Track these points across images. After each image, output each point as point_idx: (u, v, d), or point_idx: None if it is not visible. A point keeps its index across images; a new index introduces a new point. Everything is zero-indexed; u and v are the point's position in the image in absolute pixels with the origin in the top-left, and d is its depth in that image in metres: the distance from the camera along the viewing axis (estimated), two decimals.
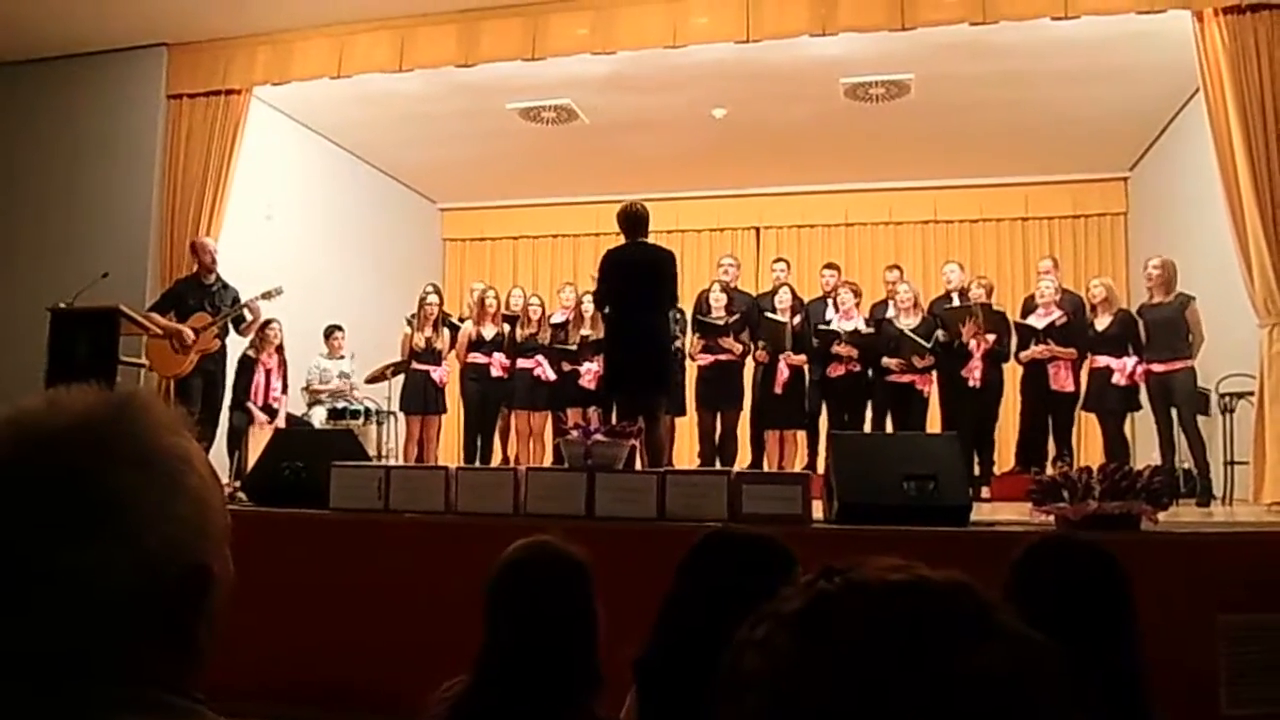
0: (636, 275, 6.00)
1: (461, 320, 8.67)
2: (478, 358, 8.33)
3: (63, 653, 0.71)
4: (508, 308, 8.71)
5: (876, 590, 0.58)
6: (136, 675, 0.72)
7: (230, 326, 7.25)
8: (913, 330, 7.58)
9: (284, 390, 7.97)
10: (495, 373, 8.31)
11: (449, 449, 9.01)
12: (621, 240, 6.24)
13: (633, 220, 6.13)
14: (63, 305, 6.40)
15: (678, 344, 7.38)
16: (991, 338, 7.42)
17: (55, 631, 0.71)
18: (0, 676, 0.70)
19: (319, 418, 8.09)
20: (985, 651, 0.55)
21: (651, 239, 6.30)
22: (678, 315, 7.38)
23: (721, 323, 7.76)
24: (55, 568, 0.71)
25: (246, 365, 7.79)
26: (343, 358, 8.55)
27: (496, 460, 8.43)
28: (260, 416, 7.63)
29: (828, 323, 7.92)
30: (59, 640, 0.71)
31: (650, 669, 1.84)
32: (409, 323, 8.49)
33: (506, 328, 8.46)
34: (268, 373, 7.86)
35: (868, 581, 0.59)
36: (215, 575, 0.78)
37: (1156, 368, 6.83)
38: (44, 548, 0.71)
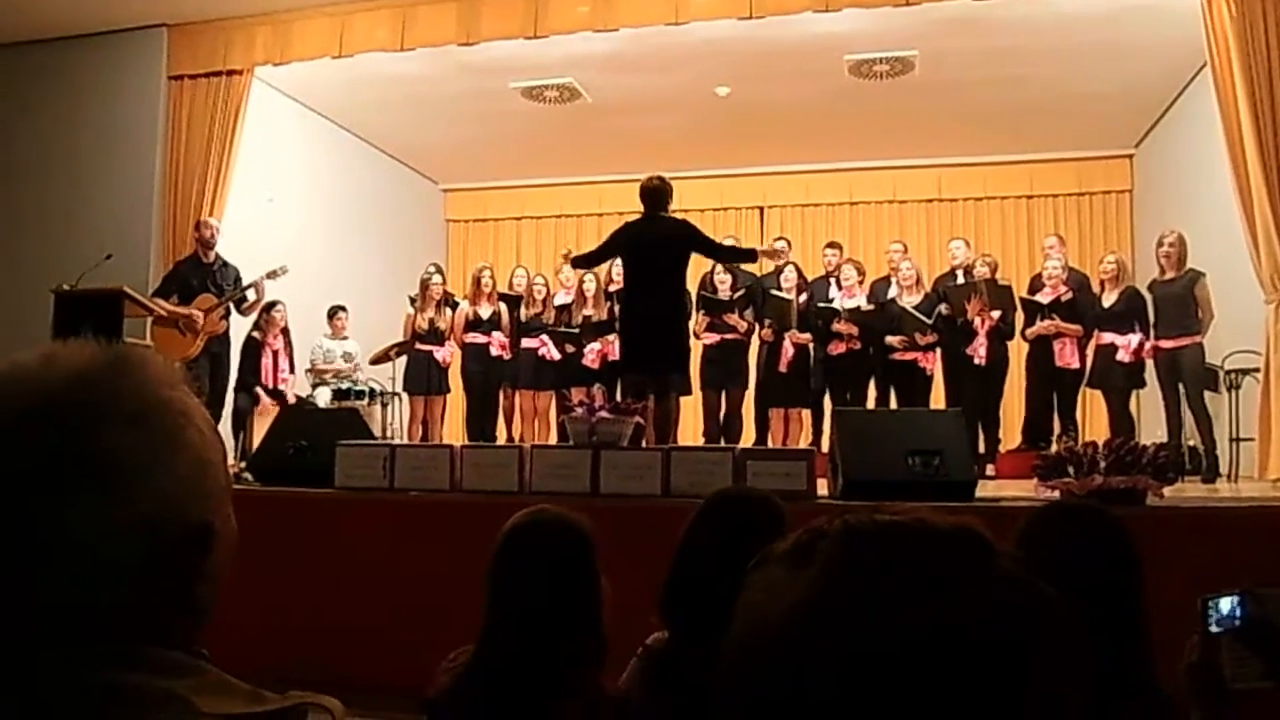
0: (653, 251, 5.95)
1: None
2: (476, 337, 8.32)
3: (63, 611, 0.70)
4: (510, 288, 8.69)
5: (866, 526, 0.58)
6: (139, 633, 0.72)
7: (233, 307, 7.26)
8: (915, 308, 7.55)
9: (290, 371, 7.99)
10: (494, 352, 8.30)
11: (453, 429, 9.02)
12: (632, 216, 6.21)
13: (652, 195, 6.06)
14: (66, 287, 6.41)
15: (689, 324, 7.35)
16: (996, 314, 7.39)
17: (55, 590, 0.70)
18: (1, 636, 0.70)
19: (324, 398, 8.10)
20: (978, 592, 0.54)
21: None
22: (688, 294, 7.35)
23: (727, 298, 7.74)
24: (53, 526, 0.70)
25: (252, 347, 7.80)
26: (346, 338, 8.55)
27: (501, 441, 8.43)
28: (266, 400, 7.65)
29: (829, 301, 7.90)
30: (59, 599, 0.70)
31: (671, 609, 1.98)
32: (412, 303, 8.48)
33: (503, 307, 8.44)
34: (275, 354, 7.87)
35: (862, 519, 0.59)
36: (217, 532, 0.77)
37: (1164, 344, 6.80)
38: (41, 506, 0.70)
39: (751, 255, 7.14)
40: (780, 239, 8.88)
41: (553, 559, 1.91)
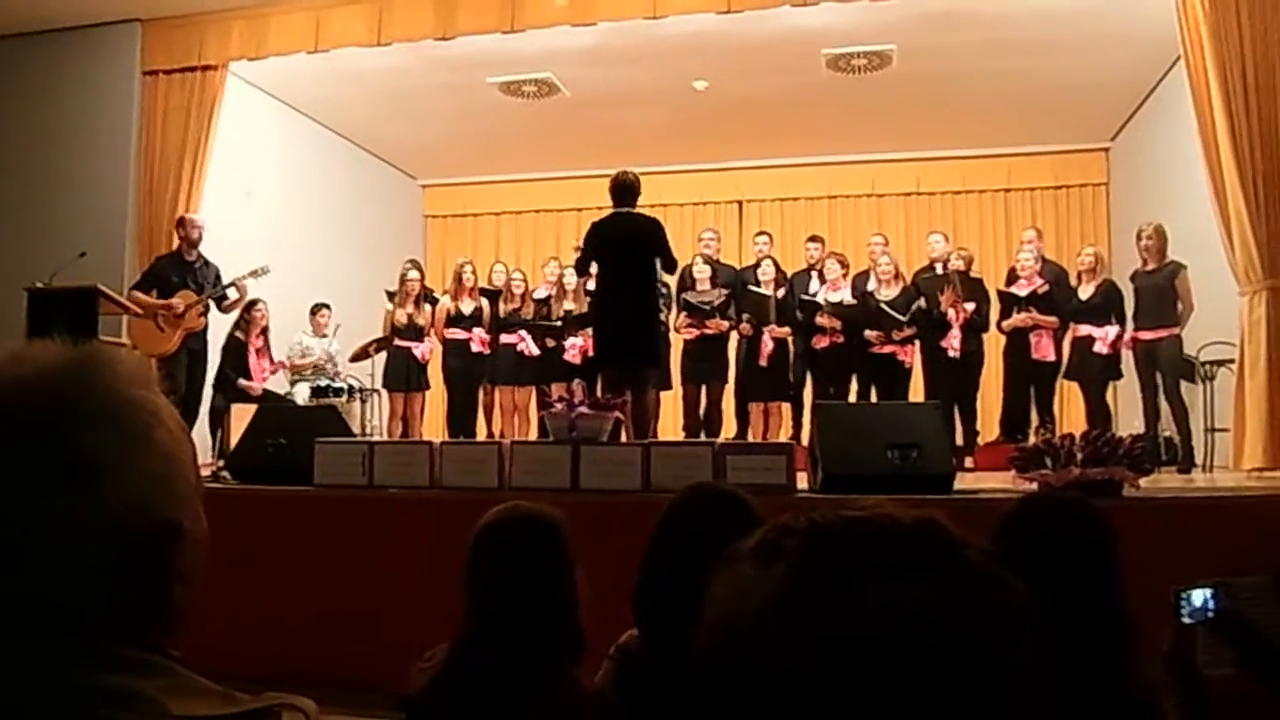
0: (623, 247, 6.00)
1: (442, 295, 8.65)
2: (456, 333, 8.31)
3: (31, 610, 0.70)
4: (489, 283, 8.67)
5: (832, 521, 0.58)
6: (108, 633, 0.71)
7: (213, 304, 7.21)
8: (893, 301, 7.57)
9: (270, 371, 7.96)
10: (475, 348, 8.29)
11: (433, 425, 8.99)
12: (606, 212, 6.22)
13: (622, 189, 6.12)
14: (40, 285, 6.34)
15: (661, 317, 7.36)
16: (970, 307, 7.43)
17: (22, 589, 0.70)
18: None
19: (302, 395, 8.06)
20: (932, 584, 0.54)
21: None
22: (663, 289, 7.35)
23: (709, 307, 7.74)
24: (20, 524, 0.69)
25: (235, 346, 7.76)
26: (326, 336, 8.51)
27: (481, 437, 8.41)
28: (254, 389, 7.62)
29: (812, 294, 7.91)
30: (27, 597, 0.70)
31: (642, 606, 1.95)
32: (390, 299, 8.45)
33: (484, 302, 8.43)
34: (257, 352, 7.83)
35: (828, 515, 0.59)
36: (186, 531, 0.77)
37: (1143, 335, 6.85)
38: (7, 504, 0.69)
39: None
40: (761, 234, 8.90)
41: (524, 554, 1.91)
